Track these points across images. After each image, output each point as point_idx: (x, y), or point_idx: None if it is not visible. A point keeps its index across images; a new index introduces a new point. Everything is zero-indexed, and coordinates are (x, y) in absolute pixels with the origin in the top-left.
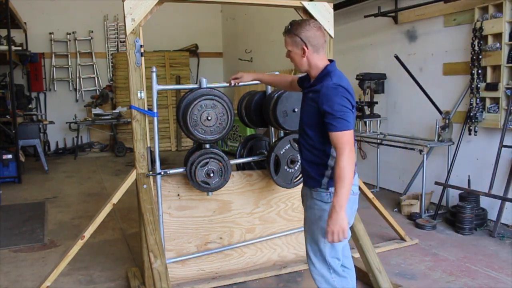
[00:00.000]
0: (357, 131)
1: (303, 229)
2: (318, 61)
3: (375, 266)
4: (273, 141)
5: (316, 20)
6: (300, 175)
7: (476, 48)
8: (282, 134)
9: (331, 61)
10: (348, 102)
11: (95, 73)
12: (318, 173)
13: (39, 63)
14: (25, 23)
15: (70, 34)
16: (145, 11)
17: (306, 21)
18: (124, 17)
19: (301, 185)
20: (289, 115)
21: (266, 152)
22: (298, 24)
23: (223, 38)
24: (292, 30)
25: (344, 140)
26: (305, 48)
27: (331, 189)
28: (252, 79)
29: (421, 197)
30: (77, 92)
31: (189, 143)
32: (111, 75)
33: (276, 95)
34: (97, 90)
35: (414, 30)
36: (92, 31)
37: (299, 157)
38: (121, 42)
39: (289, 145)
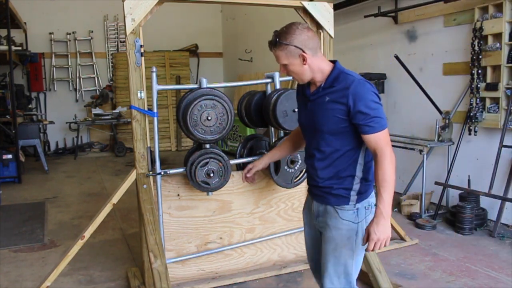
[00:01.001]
0: None
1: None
2: (321, 63)
3: (375, 266)
4: (273, 141)
5: (315, 19)
6: (300, 175)
7: (476, 48)
8: (282, 134)
9: (334, 61)
10: (378, 97)
11: (95, 73)
12: (344, 188)
13: (39, 63)
14: (25, 23)
15: (70, 34)
16: (145, 11)
17: (292, 25)
18: (124, 17)
19: (301, 185)
20: (289, 115)
21: (266, 152)
22: (285, 32)
23: (223, 38)
24: (281, 41)
25: (384, 140)
26: (305, 54)
27: (358, 205)
28: (267, 163)
29: (421, 197)
30: (77, 92)
31: (189, 143)
32: (111, 75)
33: (276, 95)
34: (97, 90)
35: (414, 30)
36: (92, 31)
37: (314, 176)
38: (121, 42)
39: None
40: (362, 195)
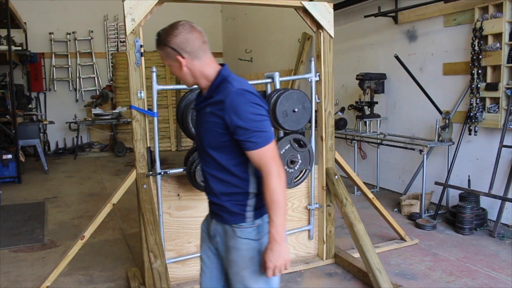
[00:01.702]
0: (357, 131)
1: (301, 230)
2: (204, 68)
3: (375, 266)
4: None
5: (315, 19)
6: (300, 175)
7: (476, 48)
8: (282, 134)
9: (222, 65)
10: (262, 108)
11: (95, 73)
12: (239, 205)
13: (39, 63)
14: (25, 23)
15: (70, 34)
16: (145, 11)
17: (173, 25)
18: (124, 17)
19: (301, 185)
20: (289, 115)
21: None
22: (166, 32)
23: (223, 38)
24: (160, 40)
25: (269, 156)
26: (180, 58)
27: (258, 222)
28: None
29: (421, 197)
30: (77, 92)
31: (189, 143)
32: (111, 75)
33: (276, 95)
34: (97, 90)
35: (414, 30)
36: (92, 31)
37: (208, 190)
38: (121, 42)
39: (289, 145)
40: (260, 210)
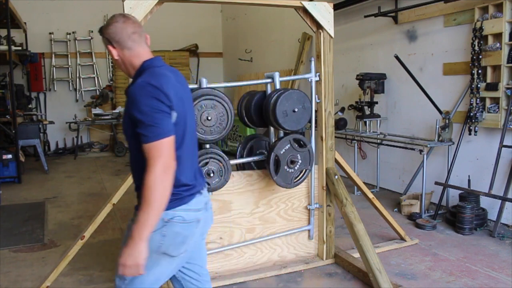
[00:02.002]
0: (357, 131)
1: (301, 230)
2: (133, 58)
3: (375, 266)
4: (273, 141)
5: (315, 19)
6: (300, 175)
7: (476, 48)
8: (282, 134)
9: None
10: (161, 103)
11: (95, 73)
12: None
13: (39, 63)
14: (25, 23)
15: (70, 34)
16: (145, 11)
17: (113, 16)
18: None
19: (301, 185)
20: (289, 115)
21: (266, 152)
22: (106, 23)
23: (223, 38)
24: (100, 31)
25: (155, 152)
26: (110, 47)
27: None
28: None
29: (421, 197)
30: (77, 92)
31: None
32: (111, 75)
33: (276, 95)
34: (97, 90)
35: (414, 30)
36: (92, 31)
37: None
38: None
39: (289, 145)
40: None
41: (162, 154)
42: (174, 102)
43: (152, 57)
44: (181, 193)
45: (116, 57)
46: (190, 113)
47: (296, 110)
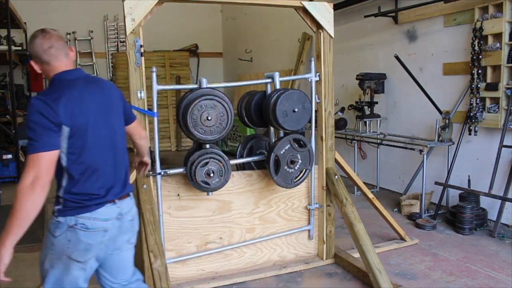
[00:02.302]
0: (357, 131)
1: (301, 230)
2: (49, 72)
3: (375, 266)
4: (273, 141)
5: (315, 19)
6: (300, 175)
7: (476, 48)
8: (282, 134)
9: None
10: (44, 118)
11: (95, 73)
12: (55, 196)
13: None
14: (25, 23)
15: (70, 34)
16: (145, 11)
17: (34, 32)
18: (124, 17)
19: (301, 185)
20: (289, 115)
21: (266, 152)
22: (29, 39)
23: (223, 38)
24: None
25: (29, 164)
26: (33, 63)
27: (61, 219)
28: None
29: (421, 197)
30: None
31: (189, 143)
32: (111, 75)
33: (276, 95)
34: None
35: (414, 30)
36: (92, 31)
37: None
38: (121, 42)
39: (289, 145)
40: (67, 209)
41: (35, 167)
42: (63, 117)
43: (69, 69)
44: (83, 202)
45: (38, 71)
46: (104, 123)
47: (296, 110)
